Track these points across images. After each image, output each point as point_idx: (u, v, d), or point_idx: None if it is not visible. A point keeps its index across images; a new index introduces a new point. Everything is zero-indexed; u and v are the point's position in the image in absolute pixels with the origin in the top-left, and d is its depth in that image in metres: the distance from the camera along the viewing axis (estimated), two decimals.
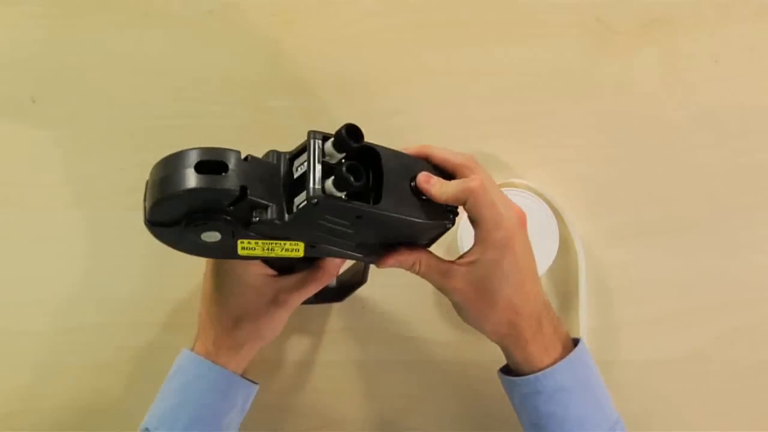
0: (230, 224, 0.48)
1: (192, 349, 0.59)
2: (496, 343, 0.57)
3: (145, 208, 0.48)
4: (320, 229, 0.49)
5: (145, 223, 0.48)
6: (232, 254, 0.51)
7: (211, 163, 0.45)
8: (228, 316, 0.58)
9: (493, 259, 0.52)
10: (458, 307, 0.56)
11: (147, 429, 0.57)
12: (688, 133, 0.73)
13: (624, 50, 0.73)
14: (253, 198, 0.46)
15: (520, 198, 0.68)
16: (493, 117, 0.72)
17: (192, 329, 0.62)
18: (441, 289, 0.56)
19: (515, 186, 0.70)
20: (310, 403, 0.71)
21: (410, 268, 0.55)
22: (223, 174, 0.45)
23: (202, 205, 0.47)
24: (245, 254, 0.52)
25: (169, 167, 0.46)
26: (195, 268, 0.61)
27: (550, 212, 0.68)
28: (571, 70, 0.73)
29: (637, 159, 0.73)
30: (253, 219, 0.47)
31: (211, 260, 0.60)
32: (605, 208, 0.72)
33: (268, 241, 0.51)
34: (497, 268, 0.52)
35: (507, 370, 0.59)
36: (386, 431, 0.72)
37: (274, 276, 0.59)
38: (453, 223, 0.53)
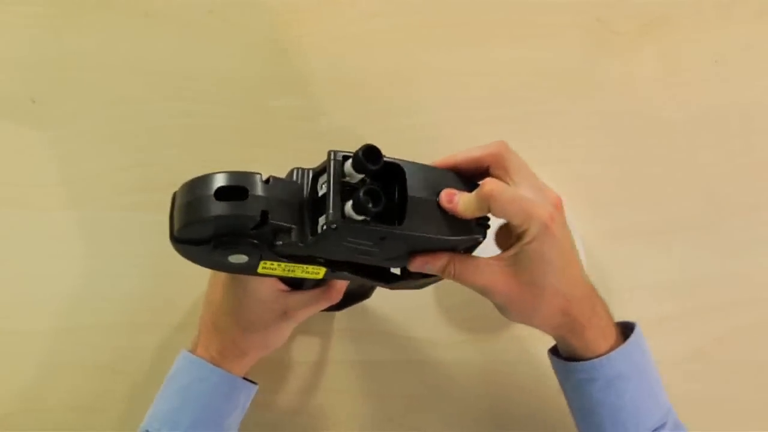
0: (257, 248, 0.48)
1: (193, 352, 0.59)
2: (551, 334, 0.55)
3: (171, 225, 0.48)
4: (345, 248, 0.49)
5: (171, 240, 0.48)
6: (251, 272, 0.52)
7: (234, 188, 0.46)
8: (236, 327, 0.58)
9: (533, 249, 0.50)
10: (502, 307, 0.54)
11: (147, 431, 0.57)
12: (688, 133, 0.73)
13: (624, 50, 0.73)
14: (275, 222, 0.46)
15: None
16: (493, 117, 0.72)
17: (191, 329, 0.62)
18: (481, 290, 0.53)
19: None
20: (310, 403, 0.71)
21: (443, 272, 0.52)
22: (245, 200, 0.45)
23: (228, 229, 0.47)
24: (265, 273, 0.52)
25: (194, 191, 0.47)
26: (195, 269, 0.61)
27: None
28: (571, 70, 0.73)
29: (638, 159, 0.73)
30: (276, 242, 0.47)
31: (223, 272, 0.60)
32: (605, 208, 0.72)
33: (290, 264, 0.51)
34: (539, 257, 0.50)
35: (558, 352, 0.57)
36: (386, 431, 0.72)
37: (286, 291, 0.59)
38: (484, 236, 0.51)
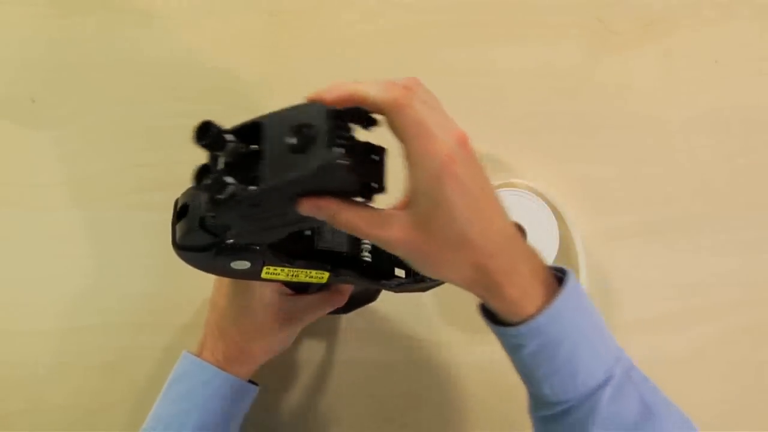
0: (260, 254, 0.48)
1: (199, 355, 0.59)
2: (470, 291, 0.48)
3: (173, 232, 0.48)
4: (260, 220, 0.46)
5: (174, 247, 0.48)
6: (255, 277, 0.52)
7: None
8: (241, 331, 0.58)
9: (431, 192, 0.43)
10: (411, 261, 0.46)
11: None
12: (688, 133, 0.73)
13: (624, 50, 0.73)
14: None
15: (520, 198, 0.68)
16: (493, 117, 0.72)
17: (195, 330, 0.62)
18: (382, 243, 0.45)
19: (515, 186, 0.70)
20: (310, 403, 0.71)
21: (334, 220, 0.44)
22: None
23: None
24: (268, 278, 0.52)
25: (194, 197, 0.47)
26: (197, 270, 0.61)
27: (550, 212, 0.68)
28: (571, 70, 0.73)
29: (638, 159, 0.73)
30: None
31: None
32: (605, 208, 0.72)
33: (293, 269, 0.51)
34: (437, 201, 0.43)
35: (488, 312, 0.49)
36: (386, 431, 0.72)
37: (291, 295, 0.59)
38: (345, 160, 0.42)
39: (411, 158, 0.43)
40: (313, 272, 0.52)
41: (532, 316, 0.45)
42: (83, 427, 0.69)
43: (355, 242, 0.55)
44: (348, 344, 0.68)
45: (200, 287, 0.62)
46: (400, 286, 0.55)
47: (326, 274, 0.52)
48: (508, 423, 0.72)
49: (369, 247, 0.55)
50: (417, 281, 0.55)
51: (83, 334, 0.70)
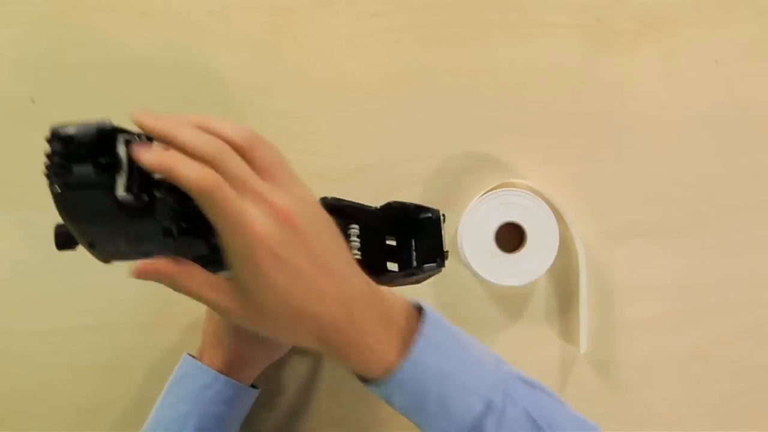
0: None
1: (200, 360, 0.59)
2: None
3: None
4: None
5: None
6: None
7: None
8: (239, 338, 0.58)
9: (248, 275, 0.41)
10: (252, 329, 0.45)
11: None
12: (688, 133, 0.73)
13: (624, 50, 0.73)
14: None
15: (520, 198, 0.68)
16: (493, 117, 0.72)
17: (194, 330, 0.62)
18: (218, 311, 0.44)
19: (515, 186, 0.70)
20: (310, 403, 0.71)
21: (163, 279, 0.43)
22: None
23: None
24: None
25: None
26: None
27: (550, 212, 0.68)
28: (571, 70, 0.73)
29: (637, 159, 0.72)
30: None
31: None
32: (605, 208, 0.72)
33: None
34: (258, 282, 0.41)
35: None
36: (386, 431, 0.72)
37: None
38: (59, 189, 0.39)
39: (222, 240, 0.41)
40: None
41: (390, 372, 0.45)
42: (80, 427, 0.69)
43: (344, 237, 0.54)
44: None
45: None
46: (393, 282, 0.55)
47: None
48: None
49: (358, 244, 0.55)
50: (410, 274, 0.55)
51: (81, 334, 0.70)
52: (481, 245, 0.68)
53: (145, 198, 0.41)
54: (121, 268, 0.71)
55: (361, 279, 0.45)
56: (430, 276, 0.56)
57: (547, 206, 0.69)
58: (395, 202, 0.56)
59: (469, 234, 0.68)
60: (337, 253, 0.44)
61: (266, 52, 0.73)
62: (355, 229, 0.55)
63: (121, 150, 0.41)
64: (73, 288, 0.71)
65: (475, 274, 0.68)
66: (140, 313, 0.70)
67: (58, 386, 0.70)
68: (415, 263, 0.55)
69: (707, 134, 0.73)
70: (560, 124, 0.73)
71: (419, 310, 0.48)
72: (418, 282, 0.58)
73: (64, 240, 0.44)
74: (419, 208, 0.56)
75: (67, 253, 0.71)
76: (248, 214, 0.40)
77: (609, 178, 0.72)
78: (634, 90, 0.73)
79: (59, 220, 0.43)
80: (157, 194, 0.41)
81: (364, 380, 0.47)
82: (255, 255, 0.40)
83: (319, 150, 0.72)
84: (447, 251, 0.55)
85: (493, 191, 0.69)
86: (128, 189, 0.40)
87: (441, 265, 0.54)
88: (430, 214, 0.56)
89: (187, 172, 0.39)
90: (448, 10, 0.73)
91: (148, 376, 0.70)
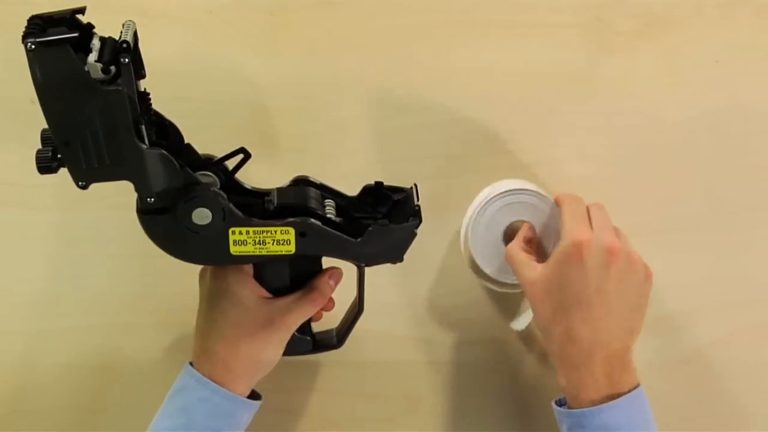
0: (217, 195, 0.51)
1: (200, 370, 0.59)
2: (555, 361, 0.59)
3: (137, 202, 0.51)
4: None
5: (138, 214, 0.52)
6: (226, 256, 0.53)
7: None
8: (224, 343, 0.58)
9: (557, 261, 0.56)
10: (531, 302, 0.60)
11: None
12: (688, 133, 0.73)
13: (624, 50, 0.73)
14: None
15: (521, 198, 0.68)
16: (493, 117, 0.72)
17: (188, 330, 0.62)
18: (523, 282, 0.61)
19: (519, 187, 0.70)
20: (310, 403, 0.71)
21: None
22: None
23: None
24: (238, 253, 0.53)
25: None
26: (192, 269, 0.61)
27: (551, 212, 0.68)
28: (572, 70, 0.73)
29: (638, 159, 0.73)
30: None
31: (205, 286, 0.60)
32: (606, 208, 0.72)
33: (259, 229, 0.53)
34: (560, 270, 0.56)
35: (561, 403, 0.60)
36: (386, 431, 0.72)
37: (268, 297, 0.59)
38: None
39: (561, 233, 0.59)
40: (278, 231, 0.53)
41: (595, 403, 0.55)
42: (76, 427, 0.69)
43: (319, 203, 0.57)
44: (348, 345, 0.68)
45: (193, 287, 0.62)
46: (366, 242, 0.56)
47: (291, 234, 0.53)
48: (508, 423, 0.72)
49: (333, 211, 0.57)
50: (393, 222, 0.57)
51: (78, 334, 0.70)
52: (491, 245, 0.68)
53: (113, 69, 0.48)
54: (121, 268, 0.71)
55: (628, 334, 0.59)
56: (409, 235, 0.57)
57: (547, 206, 0.68)
58: (368, 186, 0.59)
59: (478, 234, 0.67)
60: (632, 304, 0.59)
61: (266, 52, 0.73)
62: (330, 200, 0.59)
63: (96, 40, 0.51)
64: (73, 288, 0.71)
65: (481, 275, 0.68)
66: (137, 313, 0.70)
67: (58, 386, 0.70)
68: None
69: (707, 134, 0.73)
70: (560, 124, 0.73)
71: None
72: (399, 258, 0.58)
73: (44, 164, 0.50)
74: (394, 190, 0.59)
75: (67, 254, 0.71)
76: (586, 228, 0.60)
77: (609, 178, 0.72)
78: (634, 90, 0.73)
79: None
80: (124, 61, 0.48)
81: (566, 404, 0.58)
82: (571, 252, 0.58)
83: (319, 150, 0.72)
84: (419, 205, 0.57)
85: (504, 194, 0.68)
86: (99, 60, 0.48)
87: (417, 218, 0.57)
88: (405, 193, 0.59)
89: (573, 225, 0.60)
90: (448, 10, 0.73)
91: (147, 376, 0.70)
